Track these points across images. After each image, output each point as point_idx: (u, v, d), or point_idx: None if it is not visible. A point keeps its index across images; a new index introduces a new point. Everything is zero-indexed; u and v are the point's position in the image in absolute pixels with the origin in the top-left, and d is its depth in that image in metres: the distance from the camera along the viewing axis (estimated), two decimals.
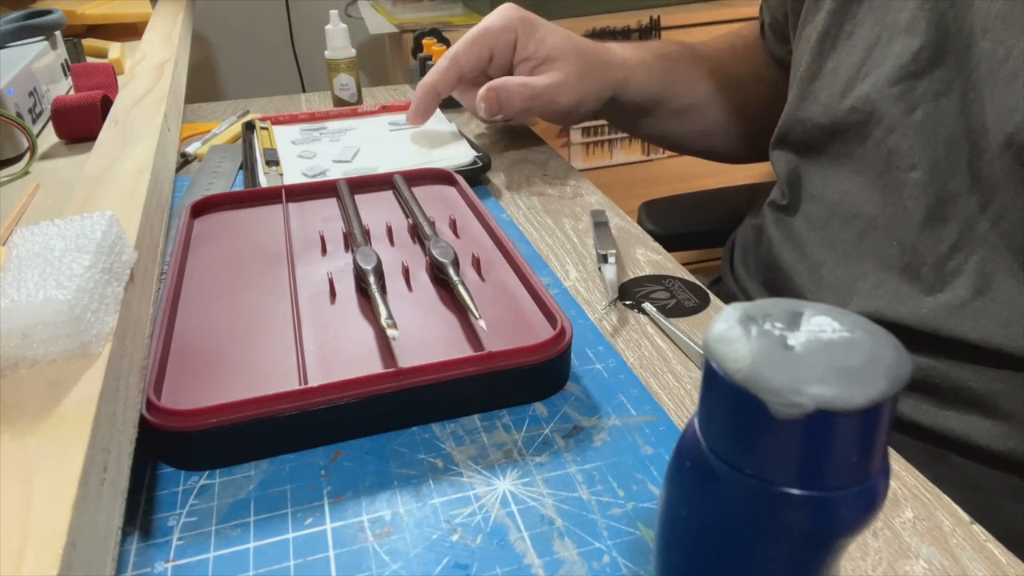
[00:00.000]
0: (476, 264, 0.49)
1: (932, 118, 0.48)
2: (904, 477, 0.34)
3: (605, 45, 0.71)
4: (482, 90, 0.67)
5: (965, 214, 0.47)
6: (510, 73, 0.70)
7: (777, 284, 0.60)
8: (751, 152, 0.79)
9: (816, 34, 0.56)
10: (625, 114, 0.74)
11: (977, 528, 0.31)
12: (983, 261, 0.47)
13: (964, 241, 0.48)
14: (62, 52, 0.80)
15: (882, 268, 0.51)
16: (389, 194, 0.61)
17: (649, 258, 0.55)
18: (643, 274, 0.52)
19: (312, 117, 0.82)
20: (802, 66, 0.58)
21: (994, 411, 0.47)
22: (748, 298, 0.64)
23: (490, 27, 0.68)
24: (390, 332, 0.38)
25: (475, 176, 0.67)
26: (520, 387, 0.39)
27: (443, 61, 0.69)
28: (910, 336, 0.49)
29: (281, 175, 0.67)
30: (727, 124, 0.77)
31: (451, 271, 0.45)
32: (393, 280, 0.48)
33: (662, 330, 0.46)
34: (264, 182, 0.65)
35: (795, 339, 0.19)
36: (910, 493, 0.33)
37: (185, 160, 0.75)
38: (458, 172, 0.64)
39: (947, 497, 0.33)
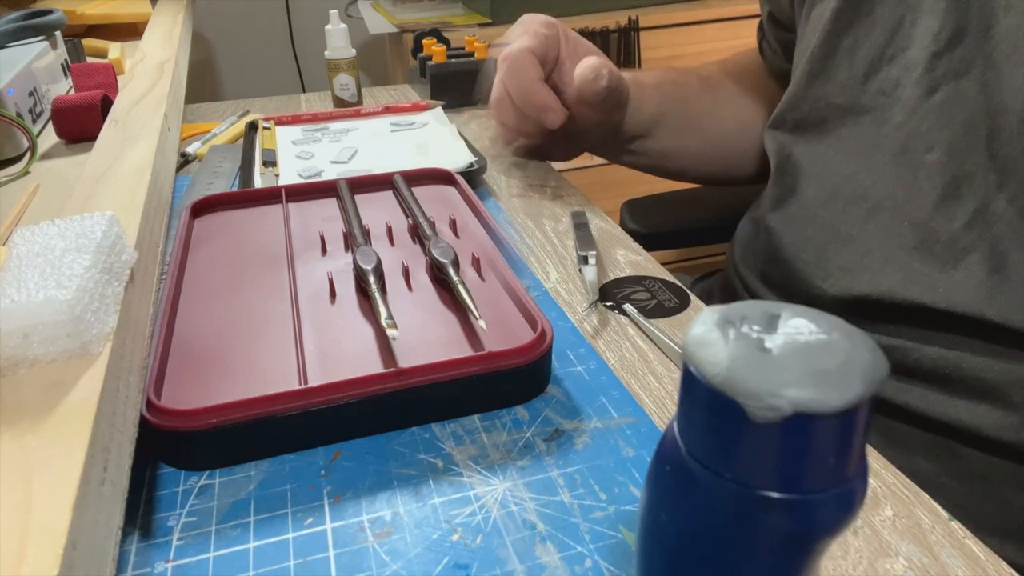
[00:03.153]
0: (476, 264, 0.50)
1: (951, 99, 0.48)
2: (883, 475, 0.35)
3: None
4: (593, 62, 0.62)
5: (981, 192, 0.47)
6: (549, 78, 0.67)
7: (780, 274, 0.59)
8: (755, 174, 0.77)
9: (830, 11, 0.55)
10: (624, 137, 0.71)
11: (956, 525, 0.32)
12: (998, 239, 0.46)
13: (978, 218, 0.47)
14: (62, 52, 0.81)
15: (890, 246, 0.51)
16: (389, 194, 0.62)
17: (629, 259, 0.55)
18: (623, 275, 0.52)
19: (315, 118, 0.82)
20: (813, 43, 0.56)
21: (1005, 401, 0.46)
22: (751, 293, 0.64)
23: (537, 29, 0.65)
24: (390, 332, 0.39)
25: (473, 177, 0.67)
26: (505, 389, 0.39)
27: (521, 55, 0.63)
28: (924, 318, 0.49)
29: (277, 176, 0.67)
30: (724, 144, 0.75)
31: (451, 271, 0.45)
32: (393, 280, 0.48)
33: (643, 331, 0.46)
34: (259, 183, 0.66)
35: (772, 342, 0.19)
36: (889, 491, 0.34)
37: (185, 160, 0.76)
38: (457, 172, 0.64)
39: (926, 494, 0.33)
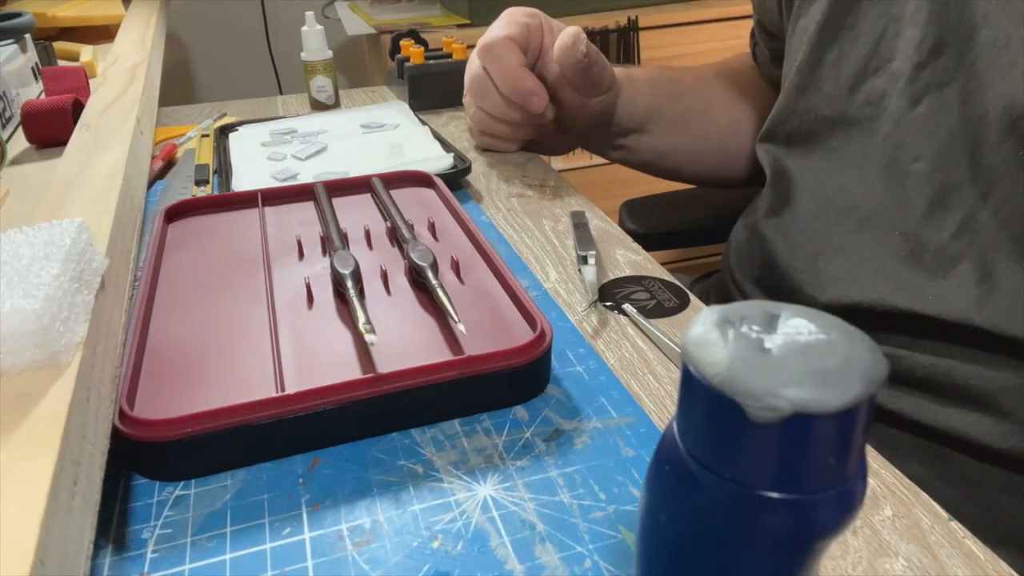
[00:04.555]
0: (455, 267, 0.49)
1: (935, 110, 0.48)
2: (883, 475, 0.34)
3: None
4: (572, 29, 0.62)
5: (967, 202, 0.47)
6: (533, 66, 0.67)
7: (773, 280, 0.60)
8: (748, 177, 0.77)
9: (815, 24, 0.55)
10: (617, 130, 0.71)
11: (955, 525, 0.31)
12: (985, 249, 0.47)
13: (966, 229, 0.47)
14: (32, 55, 0.79)
15: (881, 256, 0.51)
16: (367, 197, 0.61)
17: (629, 259, 0.54)
18: (623, 275, 0.52)
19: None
20: (799, 56, 0.57)
21: (996, 409, 0.47)
22: (745, 297, 0.63)
23: (518, 19, 0.66)
24: (368, 338, 0.38)
25: (454, 179, 0.66)
26: (500, 391, 0.39)
27: (501, 42, 0.64)
28: (915, 326, 0.49)
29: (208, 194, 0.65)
30: (717, 144, 0.75)
31: (430, 274, 0.44)
32: (371, 284, 0.47)
33: (642, 331, 0.45)
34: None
35: (772, 342, 0.19)
36: (889, 491, 0.33)
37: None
38: (438, 175, 0.63)
39: (925, 494, 0.33)
